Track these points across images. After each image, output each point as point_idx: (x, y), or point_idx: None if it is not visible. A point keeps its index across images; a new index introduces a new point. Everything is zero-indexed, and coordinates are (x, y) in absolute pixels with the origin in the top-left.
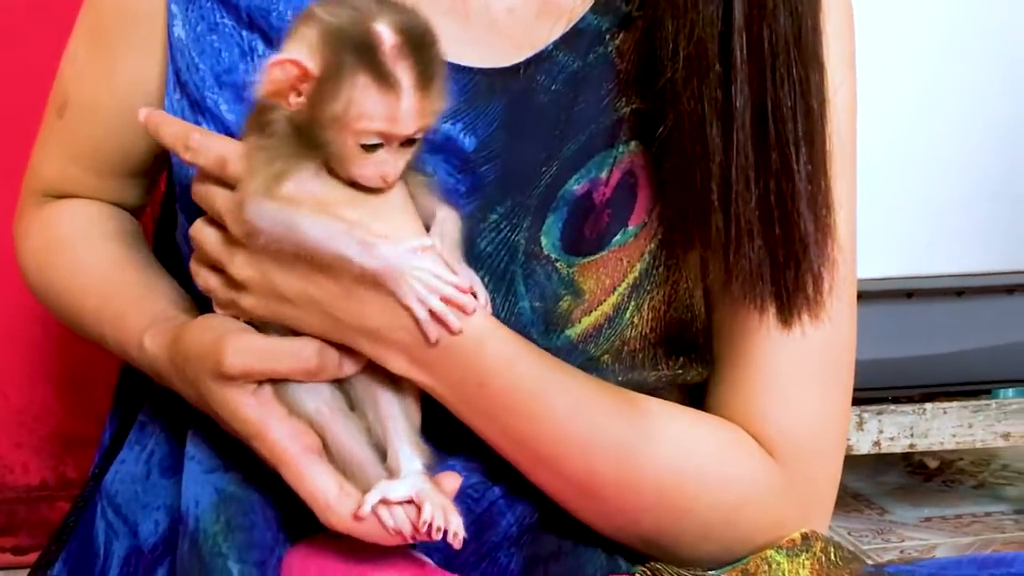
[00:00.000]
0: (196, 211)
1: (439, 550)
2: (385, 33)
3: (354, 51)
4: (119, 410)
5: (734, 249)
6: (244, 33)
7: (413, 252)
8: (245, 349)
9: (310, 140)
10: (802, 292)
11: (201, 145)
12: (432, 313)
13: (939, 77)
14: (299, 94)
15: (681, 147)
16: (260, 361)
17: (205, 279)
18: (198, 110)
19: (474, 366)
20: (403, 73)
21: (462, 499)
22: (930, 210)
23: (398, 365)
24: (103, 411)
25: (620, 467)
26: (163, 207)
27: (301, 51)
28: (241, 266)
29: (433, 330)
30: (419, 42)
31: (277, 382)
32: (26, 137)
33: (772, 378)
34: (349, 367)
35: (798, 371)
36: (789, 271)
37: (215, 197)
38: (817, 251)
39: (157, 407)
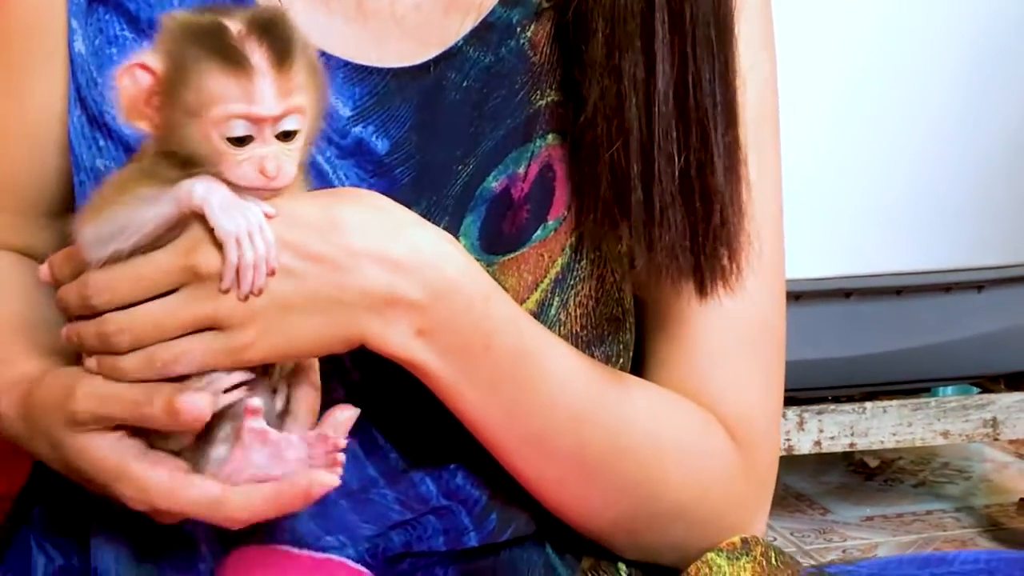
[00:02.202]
0: None
1: (377, 562)
2: (231, 22)
3: (199, 41)
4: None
5: (657, 223)
6: (145, 45)
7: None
8: (94, 393)
9: (182, 161)
10: (719, 263)
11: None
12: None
13: (877, 77)
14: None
15: (599, 128)
16: (110, 405)
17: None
18: (96, 126)
19: (481, 324)
20: (252, 52)
21: (402, 511)
22: (868, 210)
23: (400, 339)
24: None
25: (608, 442)
26: None
27: (147, 57)
28: (226, 298)
29: (246, 279)
30: (268, 25)
31: None
32: None
33: (716, 359)
34: (206, 410)
35: (736, 351)
36: (708, 243)
37: (155, 262)
38: (734, 224)
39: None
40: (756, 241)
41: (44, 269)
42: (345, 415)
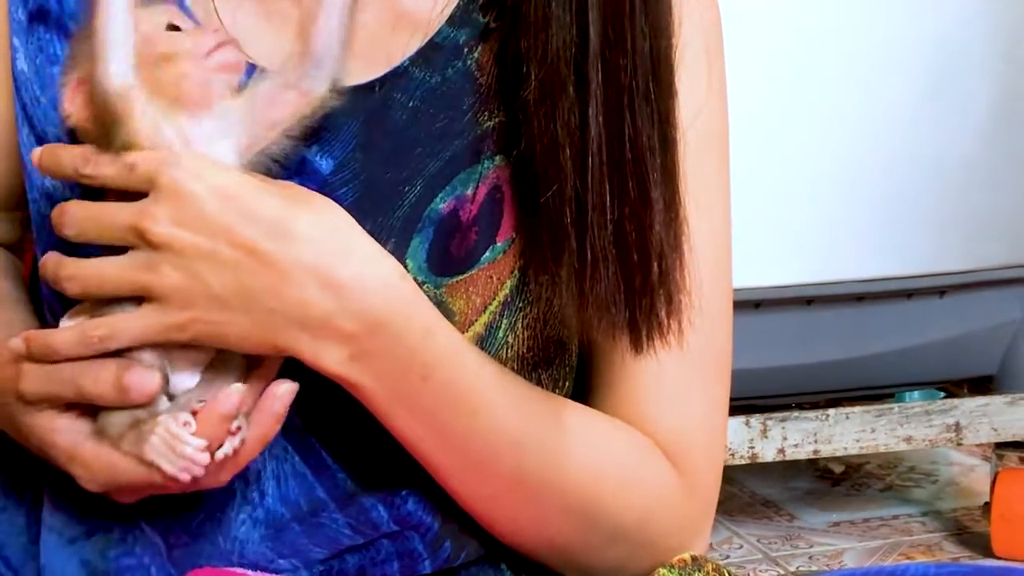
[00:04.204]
0: (55, 249)
1: None
2: None
3: None
4: None
5: (589, 274)
6: (65, 51)
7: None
8: (41, 374)
9: None
10: (656, 319)
11: (100, 157)
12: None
13: (835, 85)
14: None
15: (535, 168)
16: (55, 385)
17: (107, 321)
18: (43, 144)
19: (420, 356)
20: None
21: (353, 536)
22: (828, 217)
23: (336, 360)
24: None
25: (547, 467)
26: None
27: None
28: (168, 273)
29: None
30: None
31: None
32: None
33: (653, 394)
34: (151, 386)
35: (674, 387)
36: (645, 298)
37: (113, 213)
38: (675, 279)
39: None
40: (698, 296)
41: (37, 153)
42: (284, 388)
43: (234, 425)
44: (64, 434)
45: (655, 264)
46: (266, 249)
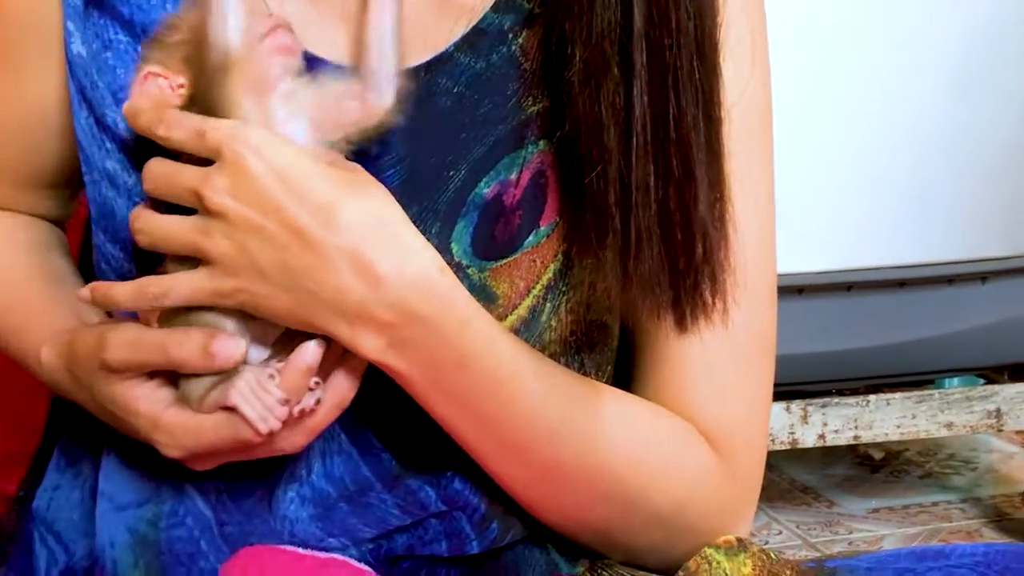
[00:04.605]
0: (115, 231)
1: (379, 563)
2: None
3: None
4: (53, 430)
5: (633, 255)
6: (139, 49)
7: None
8: (126, 341)
9: None
10: (701, 299)
11: (176, 119)
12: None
13: (877, 68)
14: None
15: (579, 149)
16: (141, 352)
17: (167, 277)
18: (101, 127)
19: (456, 347)
20: None
21: (402, 516)
22: (870, 203)
23: (373, 347)
24: (32, 429)
25: (585, 454)
26: (86, 228)
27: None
28: (220, 241)
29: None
30: None
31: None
32: None
33: (698, 377)
34: (237, 354)
35: (719, 369)
36: (689, 278)
37: (182, 174)
38: (719, 259)
39: (84, 429)
40: (743, 274)
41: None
42: (312, 344)
43: (312, 381)
44: (147, 402)
45: (699, 243)
46: (311, 232)
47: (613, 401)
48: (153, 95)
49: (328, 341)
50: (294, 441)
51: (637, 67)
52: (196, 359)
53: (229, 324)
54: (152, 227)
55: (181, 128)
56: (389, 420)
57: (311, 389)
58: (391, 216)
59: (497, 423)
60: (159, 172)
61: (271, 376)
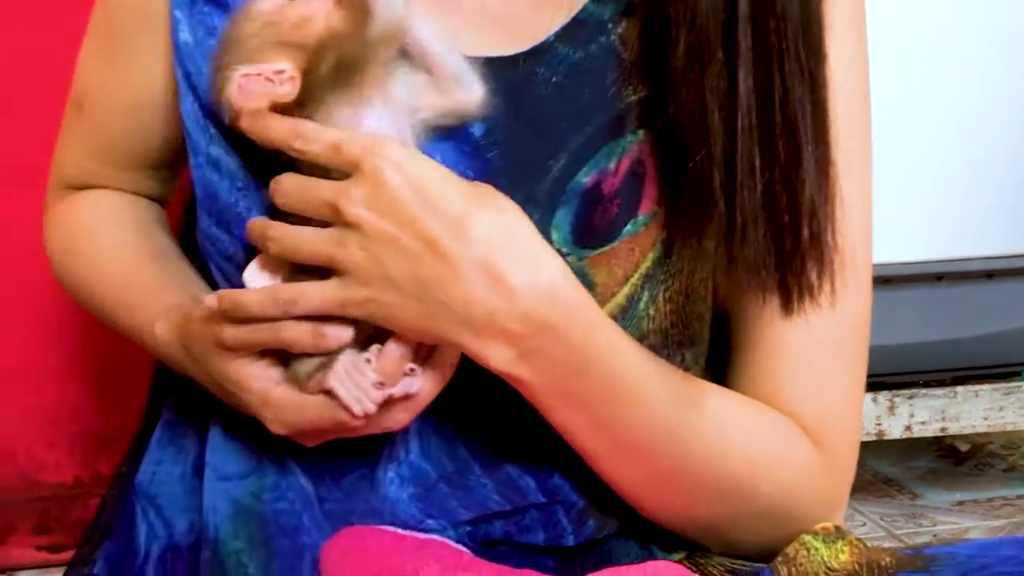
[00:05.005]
0: (219, 214)
1: (476, 545)
2: None
3: None
4: (155, 407)
5: (739, 238)
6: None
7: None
8: None
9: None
10: (808, 280)
11: (312, 133)
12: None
13: (961, 59)
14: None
15: (683, 134)
16: (255, 332)
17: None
18: (208, 114)
19: (581, 354)
20: None
21: (501, 502)
22: (958, 192)
23: (501, 358)
24: (135, 407)
25: (699, 452)
26: (187, 209)
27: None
28: (354, 251)
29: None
30: None
31: None
32: (53, 132)
33: (798, 365)
34: (346, 336)
35: (819, 356)
36: (795, 260)
37: (318, 187)
38: (827, 240)
39: (188, 405)
40: (851, 256)
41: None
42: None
43: (407, 367)
44: (258, 380)
45: (806, 225)
46: (444, 244)
47: (719, 398)
48: (260, 94)
49: None
50: (396, 418)
51: (742, 50)
52: (306, 339)
53: None
54: (285, 237)
55: (317, 142)
56: (484, 406)
57: (407, 374)
58: (522, 228)
59: (617, 425)
60: (292, 186)
61: (367, 360)
